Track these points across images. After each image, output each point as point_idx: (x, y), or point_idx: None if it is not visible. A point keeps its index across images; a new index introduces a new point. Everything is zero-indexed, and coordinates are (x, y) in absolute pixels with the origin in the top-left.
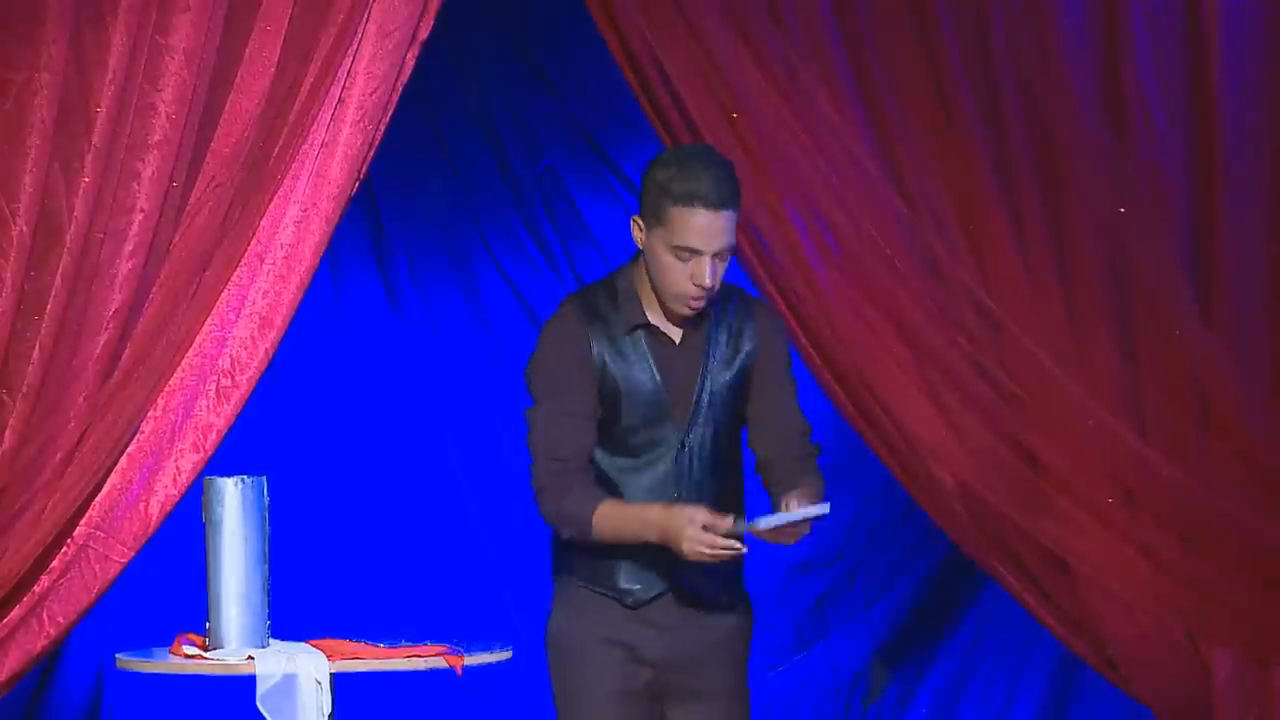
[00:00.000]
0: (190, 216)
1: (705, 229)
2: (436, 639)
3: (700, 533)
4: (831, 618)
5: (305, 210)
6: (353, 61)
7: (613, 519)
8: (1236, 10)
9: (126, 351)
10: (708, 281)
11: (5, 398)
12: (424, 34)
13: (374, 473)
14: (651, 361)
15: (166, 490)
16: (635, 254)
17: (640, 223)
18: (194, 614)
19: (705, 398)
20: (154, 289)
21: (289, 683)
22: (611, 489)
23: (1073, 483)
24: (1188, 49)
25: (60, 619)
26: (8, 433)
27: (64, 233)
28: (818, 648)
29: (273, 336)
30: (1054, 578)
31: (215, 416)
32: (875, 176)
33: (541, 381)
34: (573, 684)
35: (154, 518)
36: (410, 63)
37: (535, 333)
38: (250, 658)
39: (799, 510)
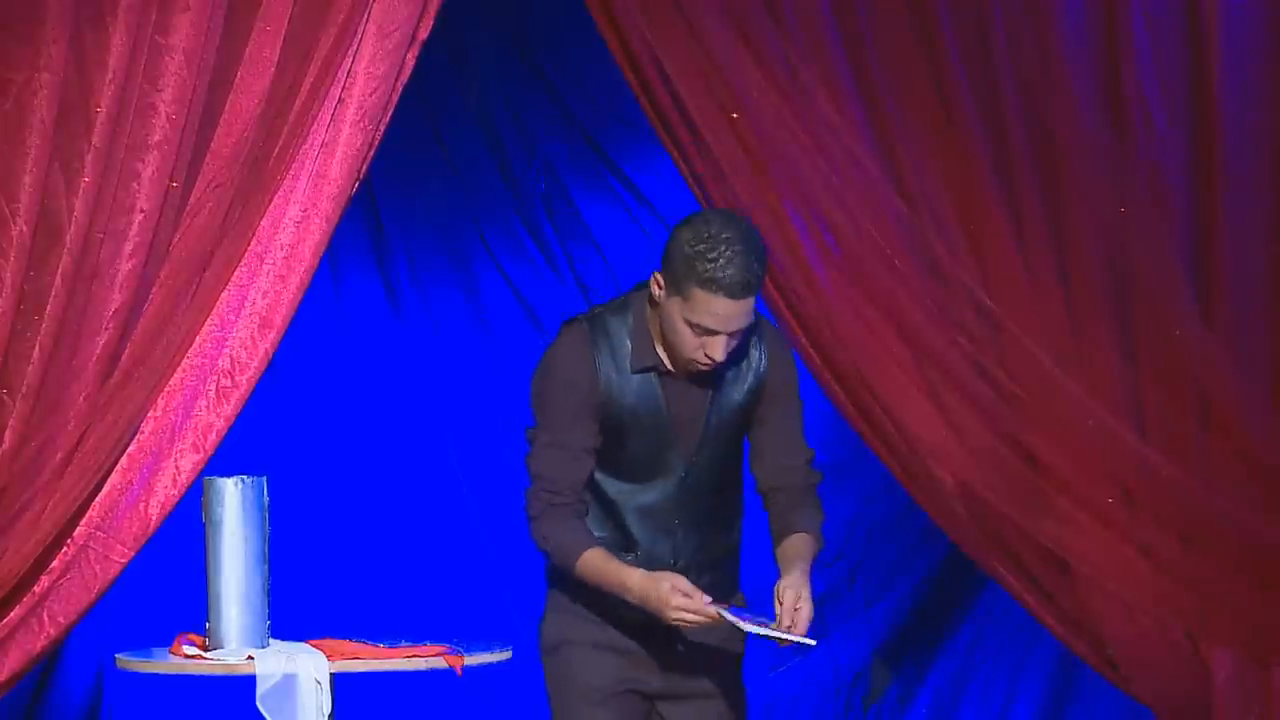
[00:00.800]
0: (190, 216)
1: (725, 315)
2: (436, 639)
3: (683, 599)
4: (832, 618)
5: (305, 210)
6: (353, 61)
7: (593, 571)
8: (1236, 10)
9: (126, 352)
10: (720, 357)
11: (5, 398)
12: (424, 34)
13: (374, 473)
14: (660, 394)
15: (166, 490)
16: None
17: (660, 280)
18: (194, 614)
19: (713, 430)
20: (154, 289)
21: (289, 683)
22: (610, 509)
23: (1073, 483)
24: (1188, 49)
25: (60, 619)
26: (8, 433)
27: (64, 233)
28: (818, 648)
29: (273, 337)
30: (1054, 578)
31: (215, 416)
32: (875, 176)
33: (544, 409)
34: (566, 685)
35: (154, 518)
36: (410, 63)
37: (535, 333)
38: (250, 658)
39: (786, 633)
